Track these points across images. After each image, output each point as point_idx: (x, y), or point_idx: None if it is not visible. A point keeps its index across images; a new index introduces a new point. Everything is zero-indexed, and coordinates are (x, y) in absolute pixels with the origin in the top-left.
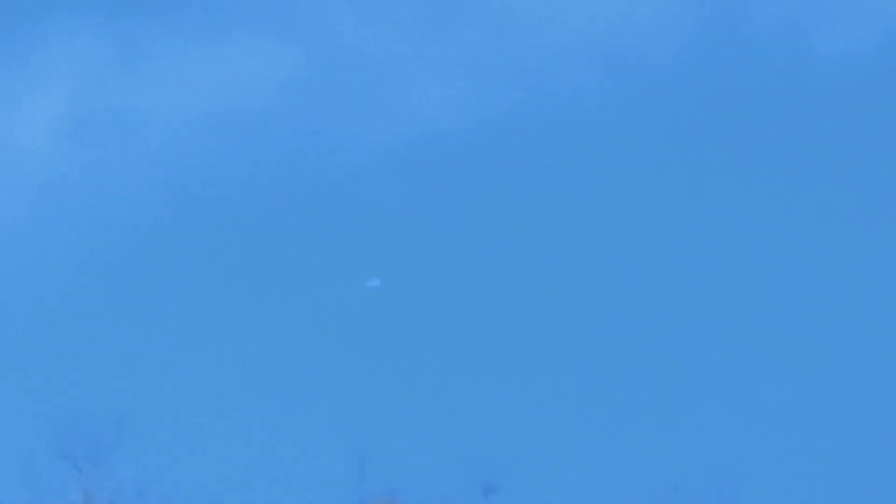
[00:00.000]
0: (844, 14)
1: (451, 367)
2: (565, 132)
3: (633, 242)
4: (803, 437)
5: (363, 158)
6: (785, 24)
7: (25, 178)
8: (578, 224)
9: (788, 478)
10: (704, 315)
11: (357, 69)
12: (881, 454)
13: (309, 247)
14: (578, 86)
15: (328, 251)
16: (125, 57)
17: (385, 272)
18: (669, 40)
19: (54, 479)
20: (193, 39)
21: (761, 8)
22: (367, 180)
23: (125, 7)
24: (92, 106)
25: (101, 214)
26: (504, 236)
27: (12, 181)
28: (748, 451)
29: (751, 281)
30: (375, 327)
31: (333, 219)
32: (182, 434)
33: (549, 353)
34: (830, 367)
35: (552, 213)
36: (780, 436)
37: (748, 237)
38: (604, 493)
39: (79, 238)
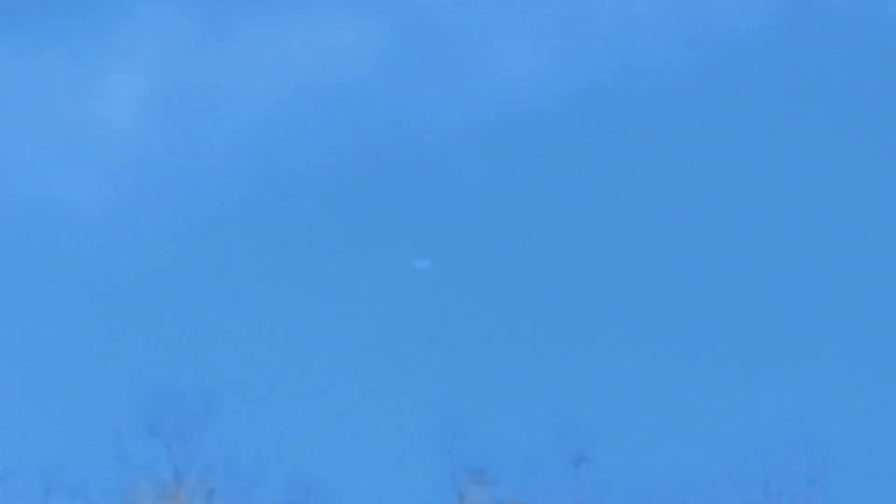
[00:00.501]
0: None
1: (541, 339)
2: (653, 104)
3: (721, 213)
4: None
5: (451, 130)
6: None
7: (113, 156)
8: (666, 195)
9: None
10: (806, 283)
11: (444, 41)
12: None
13: (398, 218)
14: (665, 57)
15: (418, 223)
16: (210, 32)
17: (476, 243)
18: (753, 9)
19: (144, 456)
20: (279, 13)
21: None
22: (456, 152)
23: None
24: (178, 82)
25: (188, 190)
26: (591, 205)
27: (100, 159)
28: (834, 424)
29: (853, 242)
30: (465, 299)
31: (423, 190)
32: (272, 409)
33: (639, 323)
34: None
35: (641, 183)
36: (877, 397)
37: (841, 199)
38: (695, 463)
39: (167, 214)
